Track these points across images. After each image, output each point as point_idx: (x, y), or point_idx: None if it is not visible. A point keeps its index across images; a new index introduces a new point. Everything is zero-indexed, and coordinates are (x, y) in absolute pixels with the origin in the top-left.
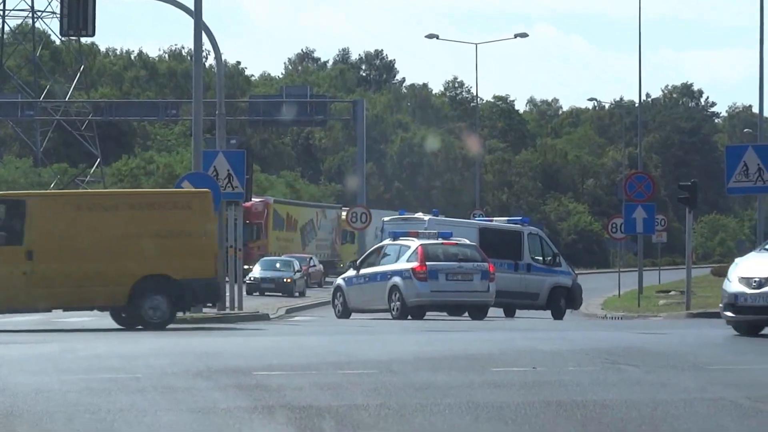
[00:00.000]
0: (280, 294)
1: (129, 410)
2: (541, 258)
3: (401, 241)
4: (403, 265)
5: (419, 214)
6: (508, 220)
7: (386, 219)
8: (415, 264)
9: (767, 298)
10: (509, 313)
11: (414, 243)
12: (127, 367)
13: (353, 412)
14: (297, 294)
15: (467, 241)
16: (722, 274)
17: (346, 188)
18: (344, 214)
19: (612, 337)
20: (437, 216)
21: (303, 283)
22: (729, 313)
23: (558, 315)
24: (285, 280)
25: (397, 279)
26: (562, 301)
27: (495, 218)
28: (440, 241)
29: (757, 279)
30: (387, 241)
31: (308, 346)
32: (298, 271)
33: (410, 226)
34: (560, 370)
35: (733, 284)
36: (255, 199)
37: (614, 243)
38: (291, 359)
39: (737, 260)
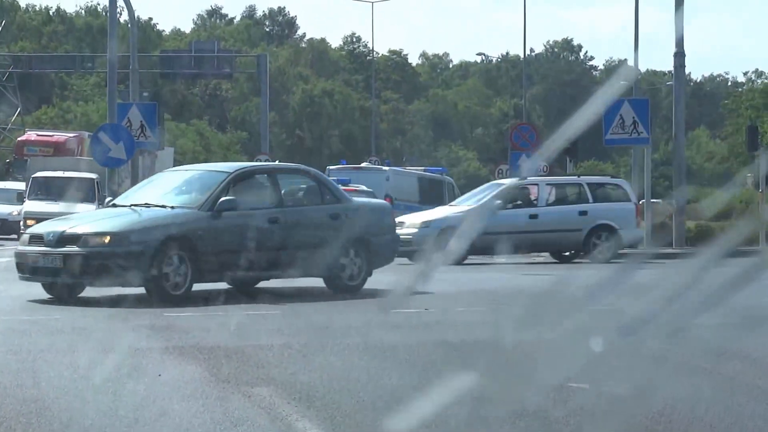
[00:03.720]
0: None
1: (49, 350)
2: None
3: None
4: None
5: (365, 163)
6: (425, 169)
7: (332, 168)
8: None
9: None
10: None
11: None
12: (46, 310)
13: (258, 352)
14: None
15: (365, 188)
16: None
17: (252, 136)
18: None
19: (499, 278)
20: (390, 166)
21: None
22: None
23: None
24: None
25: None
26: None
27: (411, 167)
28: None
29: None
30: None
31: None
32: None
33: (368, 175)
34: (450, 310)
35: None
36: (68, 134)
37: None
38: (198, 302)
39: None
